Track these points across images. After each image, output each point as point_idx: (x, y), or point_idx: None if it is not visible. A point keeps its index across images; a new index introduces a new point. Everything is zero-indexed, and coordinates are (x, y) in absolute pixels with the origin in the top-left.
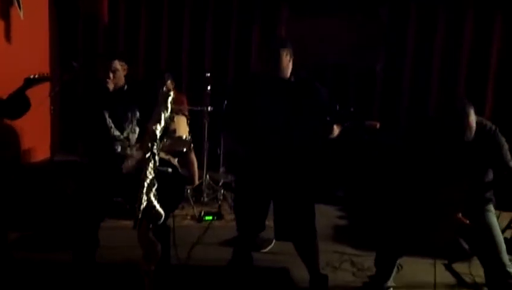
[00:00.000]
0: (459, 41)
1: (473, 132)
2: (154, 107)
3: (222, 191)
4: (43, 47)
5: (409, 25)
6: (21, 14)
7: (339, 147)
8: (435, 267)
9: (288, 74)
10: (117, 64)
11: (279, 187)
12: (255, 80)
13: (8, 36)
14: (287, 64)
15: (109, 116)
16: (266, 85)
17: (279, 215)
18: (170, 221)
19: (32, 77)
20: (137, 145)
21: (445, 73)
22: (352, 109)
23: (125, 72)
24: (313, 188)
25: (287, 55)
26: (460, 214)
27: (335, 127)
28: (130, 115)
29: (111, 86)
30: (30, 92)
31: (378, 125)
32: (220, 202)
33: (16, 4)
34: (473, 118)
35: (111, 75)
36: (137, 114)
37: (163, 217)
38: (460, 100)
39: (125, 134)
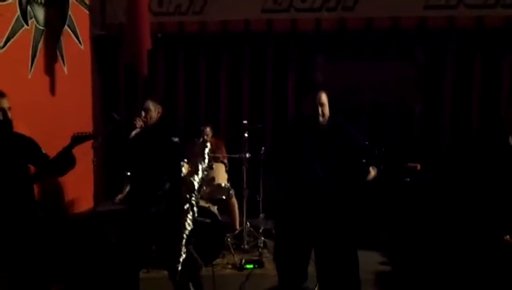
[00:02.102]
0: (497, 80)
1: None
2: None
3: (262, 238)
4: (86, 100)
5: (446, 64)
6: (65, 69)
7: (380, 190)
8: None
9: (327, 119)
10: (149, 104)
11: (320, 232)
12: (295, 126)
13: (53, 90)
14: (326, 111)
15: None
16: (306, 130)
17: (322, 263)
18: (210, 270)
19: (77, 134)
20: None
21: (484, 112)
22: (383, 149)
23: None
24: (355, 234)
25: (326, 101)
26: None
27: (371, 169)
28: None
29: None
30: None
31: (419, 167)
32: (260, 250)
33: (60, 60)
34: None
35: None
36: None
37: (202, 268)
38: None
39: None
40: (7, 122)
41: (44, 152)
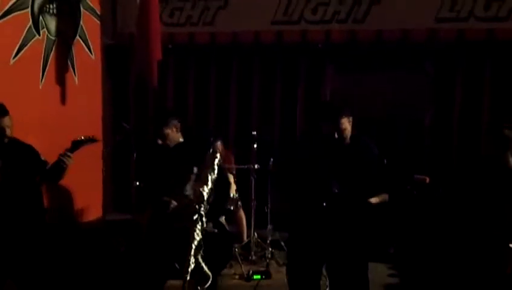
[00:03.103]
0: (508, 93)
1: None
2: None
3: (270, 249)
4: (96, 110)
5: (457, 77)
6: (76, 79)
7: (388, 203)
8: None
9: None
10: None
11: (332, 247)
12: (308, 140)
13: (63, 100)
14: (349, 130)
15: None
16: (323, 147)
17: (333, 277)
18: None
19: (78, 139)
20: None
21: (495, 125)
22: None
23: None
24: (366, 248)
25: (348, 121)
26: None
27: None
28: None
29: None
30: (83, 153)
31: (428, 180)
32: (268, 261)
33: (71, 70)
34: None
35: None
36: None
37: (210, 278)
38: None
39: None
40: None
41: (43, 159)
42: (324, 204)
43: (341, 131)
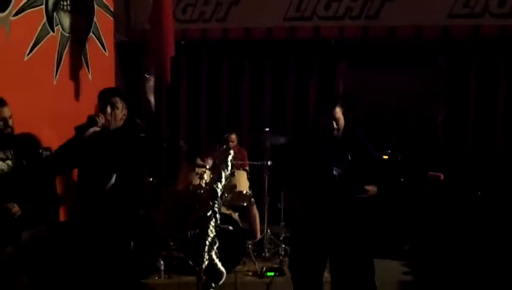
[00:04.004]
0: None
1: None
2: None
3: (283, 245)
4: None
5: (470, 73)
6: (89, 75)
7: (403, 200)
8: None
9: (342, 131)
10: (118, 101)
11: (335, 240)
12: (308, 134)
13: (77, 96)
14: (342, 123)
15: None
16: (319, 140)
17: (337, 270)
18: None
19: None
20: None
21: (509, 121)
22: (410, 159)
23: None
24: (371, 242)
25: (340, 115)
26: None
27: (369, 187)
28: None
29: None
30: None
31: (442, 177)
32: (281, 257)
33: (85, 66)
34: None
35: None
36: None
37: (224, 275)
38: None
39: None
40: (9, 130)
41: (40, 152)
42: (334, 172)
43: (336, 120)
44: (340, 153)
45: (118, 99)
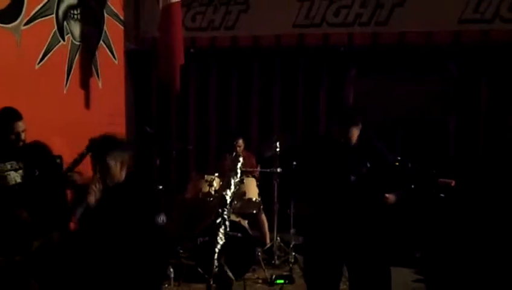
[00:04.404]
0: None
1: None
2: None
3: (293, 253)
4: (120, 113)
5: (481, 79)
6: (99, 83)
7: (414, 207)
8: None
9: (356, 140)
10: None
11: (352, 248)
12: (322, 143)
13: (87, 104)
14: (356, 136)
15: None
16: (334, 148)
17: (354, 280)
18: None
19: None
20: None
21: None
22: (416, 166)
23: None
24: (387, 250)
25: (357, 129)
26: None
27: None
28: None
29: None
30: None
31: (453, 183)
32: (291, 265)
33: (95, 74)
34: None
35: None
36: None
37: (234, 282)
38: None
39: None
40: (20, 144)
41: (58, 161)
42: (352, 177)
43: (348, 138)
44: (357, 160)
45: (107, 158)
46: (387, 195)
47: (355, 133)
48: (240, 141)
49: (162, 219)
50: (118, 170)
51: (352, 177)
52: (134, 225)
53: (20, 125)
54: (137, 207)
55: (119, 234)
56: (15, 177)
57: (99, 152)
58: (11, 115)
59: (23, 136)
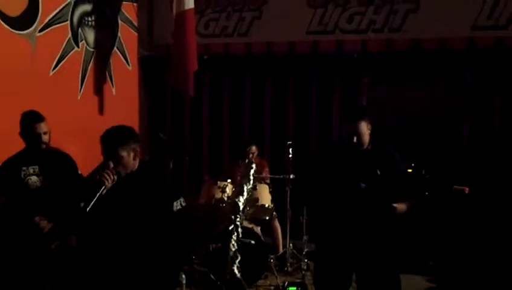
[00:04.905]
0: None
1: None
2: None
3: (306, 260)
4: (133, 119)
5: (495, 85)
6: (113, 90)
7: (428, 214)
8: None
9: (367, 142)
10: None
11: (361, 256)
12: (334, 149)
13: (101, 110)
14: (367, 136)
15: None
16: (345, 154)
17: (363, 287)
18: None
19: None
20: None
21: None
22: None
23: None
24: (397, 258)
25: (367, 127)
26: None
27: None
28: None
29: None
30: None
31: (467, 190)
32: (303, 272)
33: (109, 81)
34: None
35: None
36: None
37: (246, 289)
38: None
39: None
40: (43, 146)
41: (80, 173)
42: (363, 185)
43: (358, 134)
44: (368, 166)
45: (119, 149)
46: (394, 205)
47: (364, 129)
48: (253, 148)
49: (180, 203)
50: (131, 160)
51: (363, 185)
52: (151, 214)
53: (42, 127)
54: (153, 195)
55: (136, 224)
56: (36, 182)
57: (112, 144)
58: (33, 116)
59: (44, 138)
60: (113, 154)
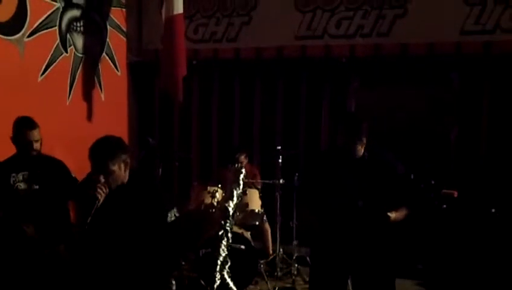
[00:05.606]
0: None
1: None
2: None
3: (296, 265)
4: (122, 125)
5: (483, 90)
6: (102, 95)
7: (416, 218)
8: None
9: (362, 151)
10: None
11: (357, 262)
12: (330, 156)
13: (90, 116)
14: (362, 146)
15: None
16: (340, 164)
17: None
18: None
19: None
20: None
21: None
22: (432, 182)
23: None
24: (393, 264)
25: (363, 140)
26: None
27: (390, 214)
28: None
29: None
30: None
31: (455, 194)
32: (294, 277)
33: (98, 86)
34: None
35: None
36: None
37: None
38: None
39: None
40: (33, 154)
41: (73, 176)
42: (360, 203)
43: (354, 149)
44: (365, 177)
45: (109, 163)
46: (389, 214)
47: (362, 143)
48: (242, 157)
49: (174, 214)
50: (122, 173)
51: (360, 203)
52: (145, 227)
53: (34, 134)
54: (147, 209)
55: (129, 235)
56: (25, 188)
57: (101, 159)
58: (26, 122)
59: (36, 145)
60: (103, 168)
